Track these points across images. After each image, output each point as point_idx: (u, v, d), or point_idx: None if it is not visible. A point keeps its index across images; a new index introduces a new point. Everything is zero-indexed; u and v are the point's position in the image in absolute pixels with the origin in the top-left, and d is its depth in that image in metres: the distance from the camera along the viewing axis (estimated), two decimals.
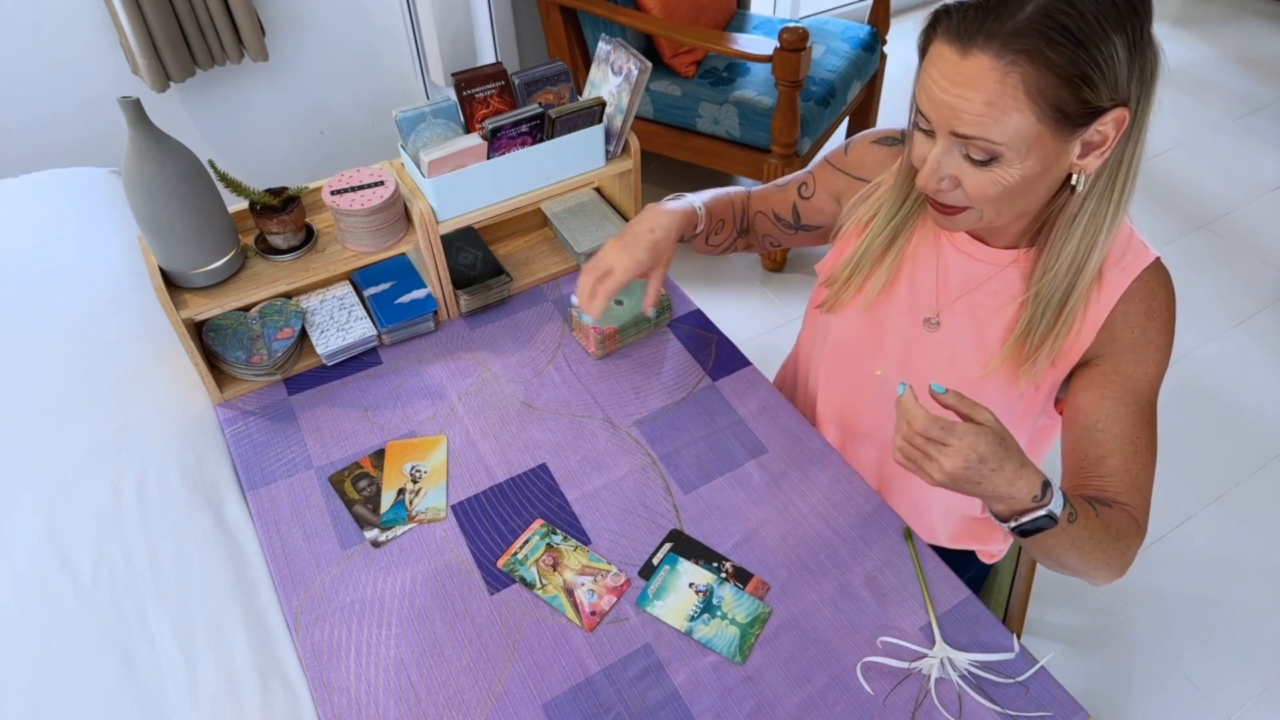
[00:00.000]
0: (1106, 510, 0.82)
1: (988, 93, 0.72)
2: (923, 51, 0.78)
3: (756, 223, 1.15)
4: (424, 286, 1.21)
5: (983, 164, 0.77)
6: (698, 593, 0.91)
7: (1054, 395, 0.95)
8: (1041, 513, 0.76)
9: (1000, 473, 0.73)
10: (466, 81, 1.14)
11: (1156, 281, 0.88)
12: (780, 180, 1.13)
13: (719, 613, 0.89)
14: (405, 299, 1.19)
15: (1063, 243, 0.85)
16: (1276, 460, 1.95)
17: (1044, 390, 0.93)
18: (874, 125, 2.76)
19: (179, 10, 2.07)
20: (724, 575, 0.92)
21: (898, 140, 1.00)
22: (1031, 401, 0.94)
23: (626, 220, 1.32)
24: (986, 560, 1.18)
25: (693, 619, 0.88)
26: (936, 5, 0.77)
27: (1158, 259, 0.88)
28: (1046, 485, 0.76)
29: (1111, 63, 0.72)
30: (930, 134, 0.79)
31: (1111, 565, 0.83)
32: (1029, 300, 0.88)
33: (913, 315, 0.98)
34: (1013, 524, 0.77)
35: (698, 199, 1.07)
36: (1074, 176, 0.81)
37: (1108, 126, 0.75)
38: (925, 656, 0.85)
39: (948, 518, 1.11)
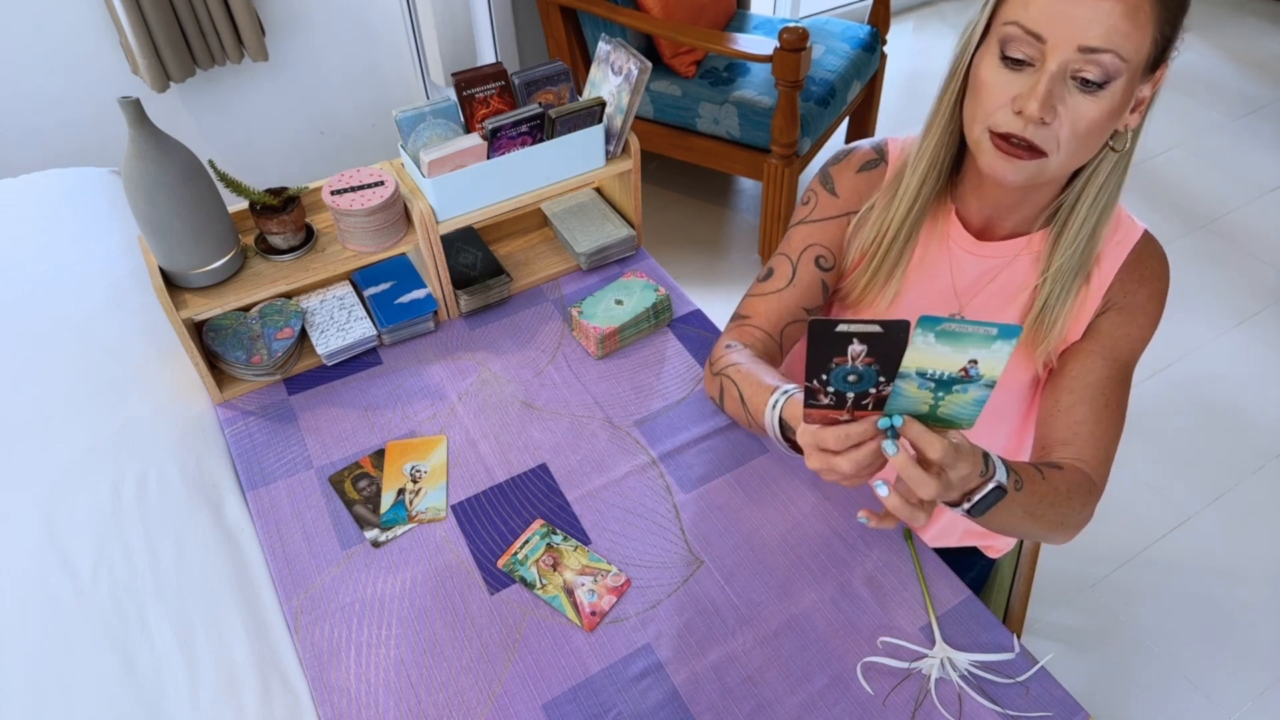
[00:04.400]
0: (1054, 472, 0.83)
1: (1126, 1, 0.72)
2: None
3: (788, 335, 1.01)
4: (424, 286, 1.21)
5: (1093, 90, 0.75)
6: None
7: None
8: (991, 485, 0.73)
9: (964, 460, 0.69)
10: (466, 81, 1.14)
11: (1149, 252, 0.91)
12: (770, 279, 1.01)
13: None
14: (405, 299, 1.19)
15: (1084, 214, 0.86)
16: (1276, 460, 1.95)
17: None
18: (874, 125, 2.76)
19: (179, 10, 2.07)
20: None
21: (876, 161, 0.99)
22: (1042, 383, 0.96)
23: (627, 220, 1.32)
24: (992, 555, 1.18)
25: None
26: None
27: (1146, 231, 0.92)
28: (986, 456, 0.73)
29: (1189, 4, 0.75)
30: (1021, 65, 0.76)
31: (1067, 525, 0.84)
32: (1048, 279, 0.89)
33: (933, 312, 0.97)
34: (966, 505, 0.74)
35: (776, 408, 0.86)
36: (1115, 136, 0.81)
37: (1151, 84, 0.77)
38: (925, 657, 0.85)
39: (957, 517, 1.11)
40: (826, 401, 0.66)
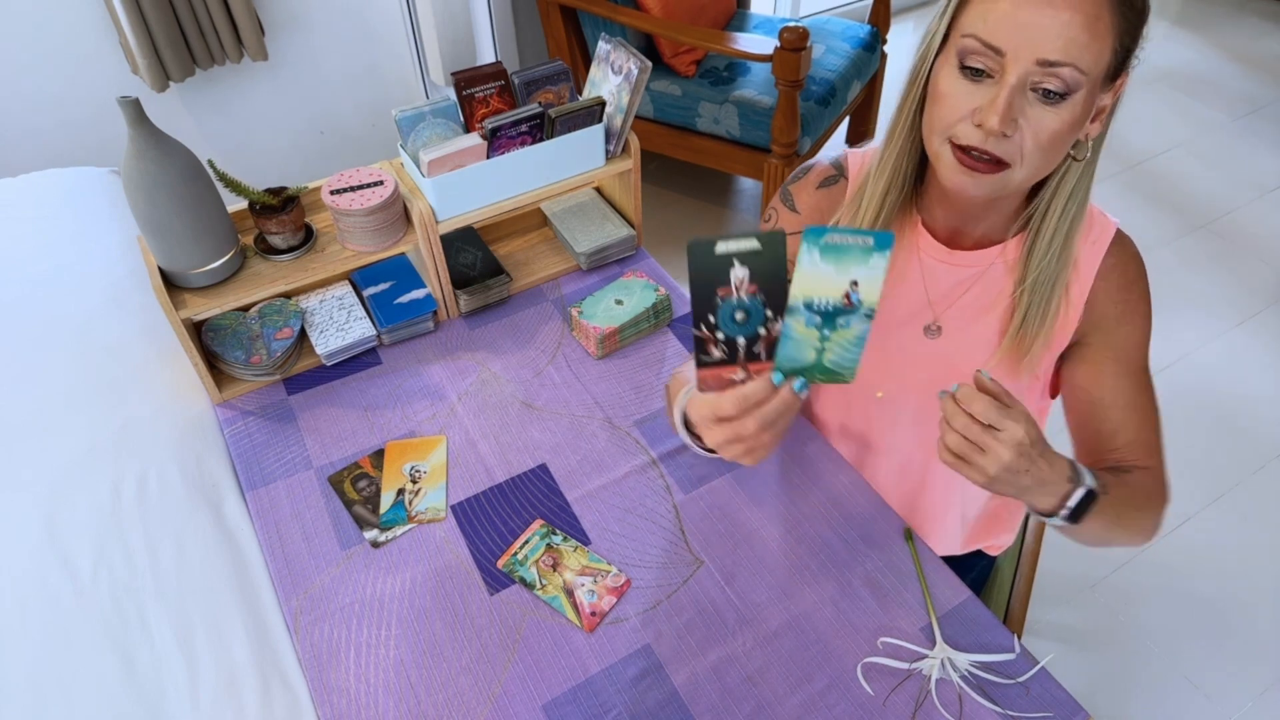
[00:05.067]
0: (1128, 475, 0.86)
1: (1085, 13, 0.70)
2: None
3: None
4: (423, 286, 1.21)
5: (1055, 101, 0.73)
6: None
7: (1049, 379, 0.96)
8: (1083, 490, 0.76)
9: (1044, 457, 0.73)
10: (466, 81, 1.13)
11: (1126, 253, 0.91)
12: None
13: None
14: (405, 299, 1.19)
15: (1055, 223, 0.85)
16: (1276, 460, 1.95)
17: (1041, 377, 0.94)
18: (874, 125, 2.76)
19: (178, 10, 2.06)
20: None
21: (836, 177, 0.98)
22: (1030, 390, 0.95)
23: (627, 220, 1.32)
24: (994, 553, 1.18)
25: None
26: None
27: (1118, 229, 0.91)
28: (1072, 463, 0.77)
29: (1148, 14, 0.74)
30: (981, 76, 0.75)
31: (1145, 528, 0.86)
32: (1025, 290, 0.88)
33: (911, 327, 0.96)
34: (1063, 512, 0.77)
35: (680, 408, 0.87)
36: (1077, 145, 0.81)
37: (1112, 93, 0.77)
38: (926, 657, 0.85)
39: (964, 523, 1.10)
40: (718, 354, 0.65)
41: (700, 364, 0.66)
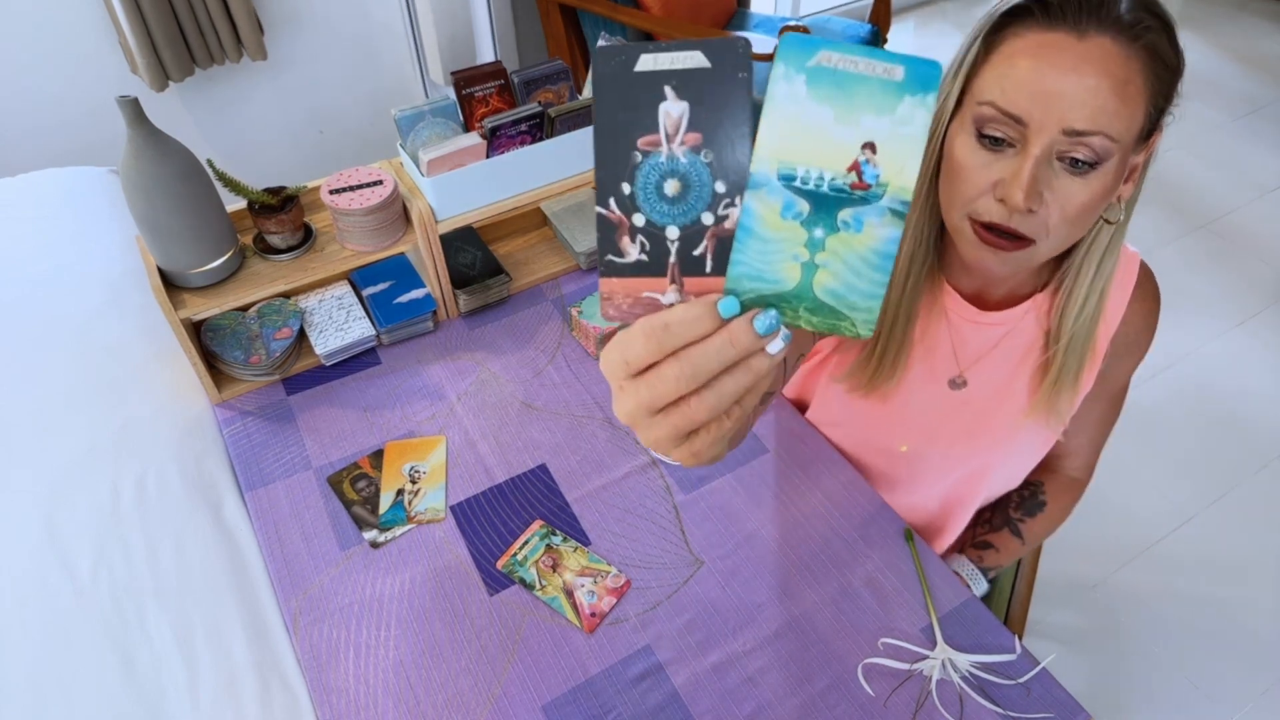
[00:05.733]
0: (1033, 522, 1.03)
1: (1114, 77, 0.64)
2: (988, 49, 0.69)
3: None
4: (423, 286, 1.20)
5: (1084, 171, 0.67)
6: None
7: None
8: (980, 593, 0.96)
9: None
10: (466, 80, 1.13)
11: (1148, 293, 0.88)
12: None
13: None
14: (404, 299, 1.19)
15: (1088, 284, 0.81)
16: (1277, 461, 1.95)
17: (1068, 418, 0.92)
18: None
19: (178, 9, 2.06)
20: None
21: None
22: (1057, 430, 0.93)
23: None
24: None
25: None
26: (998, 7, 0.69)
27: (1141, 261, 0.88)
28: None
29: (1183, 68, 0.67)
30: (1000, 144, 0.68)
31: (1055, 528, 1.06)
32: (1059, 351, 0.84)
33: (936, 381, 0.93)
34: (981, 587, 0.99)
35: None
36: (1109, 208, 0.75)
37: (1145, 151, 0.71)
38: (926, 658, 0.85)
39: (962, 532, 1.11)
40: (634, 254, 0.38)
41: (606, 268, 0.39)
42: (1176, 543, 1.80)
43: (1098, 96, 0.64)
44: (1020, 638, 1.00)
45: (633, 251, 0.38)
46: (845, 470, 1.02)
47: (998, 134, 0.68)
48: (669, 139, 0.37)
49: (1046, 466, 1.05)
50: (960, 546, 1.06)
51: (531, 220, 1.37)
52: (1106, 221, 0.77)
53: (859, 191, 0.36)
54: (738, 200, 0.37)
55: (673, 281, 0.38)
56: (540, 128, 1.13)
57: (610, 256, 0.38)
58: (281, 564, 0.94)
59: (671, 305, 0.38)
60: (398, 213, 1.13)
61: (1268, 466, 1.94)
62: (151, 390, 1.12)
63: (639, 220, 0.38)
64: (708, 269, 0.38)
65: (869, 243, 0.36)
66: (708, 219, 0.37)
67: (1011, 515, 1.05)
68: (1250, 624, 1.67)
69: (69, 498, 1.00)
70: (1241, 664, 1.61)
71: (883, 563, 0.93)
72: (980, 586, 0.98)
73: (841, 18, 2.61)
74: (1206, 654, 1.62)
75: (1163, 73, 0.67)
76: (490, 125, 1.09)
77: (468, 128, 1.17)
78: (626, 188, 0.37)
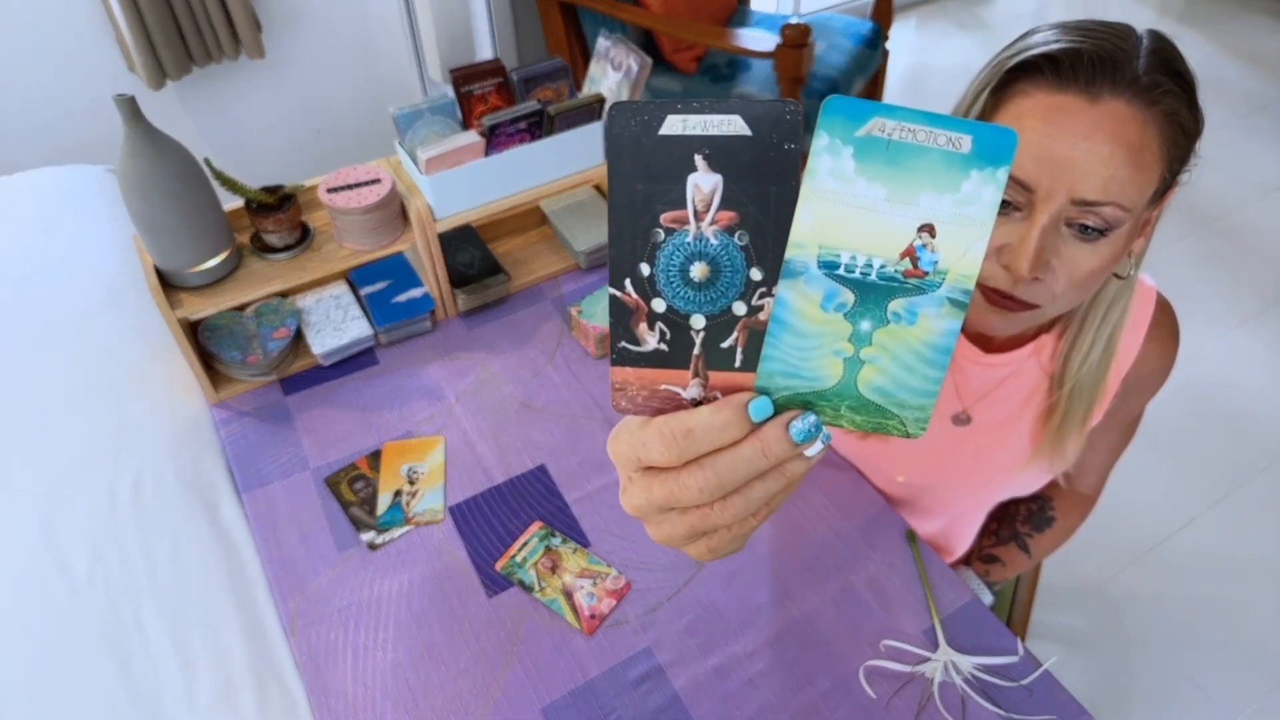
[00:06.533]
0: (1041, 537, 1.02)
1: (1128, 145, 0.60)
2: (995, 104, 0.66)
3: None
4: (421, 285, 1.20)
5: (1093, 238, 0.64)
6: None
7: None
8: (987, 603, 0.96)
9: None
10: (464, 78, 1.12)
11: (1166, 331, 0.85)
12: None
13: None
14: (402, 298, 1.18)
15: (1095, 328, 0.78)
16: (1279, 461, 1.95)
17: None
18: None
19: (175, 7, 2.05)
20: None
21: None
22: (1062, 469, 0.92)
23: None
24: None
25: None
26: (1005, 60, 0.65)
27: (1158, 295, 0.85)
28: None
29: (1201, 130, 0.63)
30: (1007, 208, 0.65)
31: (1062, 544, 1.04)
32: (1064, 396, 0.82)
33: (939, 416, 0.92)
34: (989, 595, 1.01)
35: None
36: (1123, 262, 0.72)
37: (1158, 207, 0.68)
38: (928, 660, 0.84)
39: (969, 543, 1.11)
40: (652, 343, 0.34)
41: (619, 356, 0.35)
42: (1179, 544, 1.80)
43: (1110, 165, 0.60)
44: (1023, 639, 1.00)
45: (651, 340, 0.34)
46: (845, 471, 1.01)
47: (1004, 198, 0.65)
48: (698, 216, 0.32)
49: (1056, 481, 1.03)
50: (967, 558, 1.05)
51: (531, 219, 1.36)
52: (1117, 276, 0.75)
53: (913, 280, 0.31)
54: (774, 288, 0.32)
55: (695, 375, 0.34)
56: (539, 126, 1.13)
57: (624, 344, 0.34)
58: (279, 565, 0.94)
59: (693, 400, 0.34)
60: (396, 211, 1.12)
61: (1270, 467, 1.93)
62: (148, 390, 1.12)
63: (659, 306, 0.33)
64: (737, 363, 0.33)
65: (924, 335, 0.32)
66: (739, 309, 0.33)
67: (1019, 530, 1.03)
68: (1253, 625, 1.66)
69: (66, 498, 1.00)
70: (1244, 665, 1.60)
71: (884, 564, 0.92)
72: (985, 599, 0.97)
73: (843, 15, 2.60)
74: (1209, 655, 1.62)
75: (1180, 138, 0.63)
76: (489, 123, 1.08)
77: (466, 126, 1.16)
78: (645, 269, 0.33)
